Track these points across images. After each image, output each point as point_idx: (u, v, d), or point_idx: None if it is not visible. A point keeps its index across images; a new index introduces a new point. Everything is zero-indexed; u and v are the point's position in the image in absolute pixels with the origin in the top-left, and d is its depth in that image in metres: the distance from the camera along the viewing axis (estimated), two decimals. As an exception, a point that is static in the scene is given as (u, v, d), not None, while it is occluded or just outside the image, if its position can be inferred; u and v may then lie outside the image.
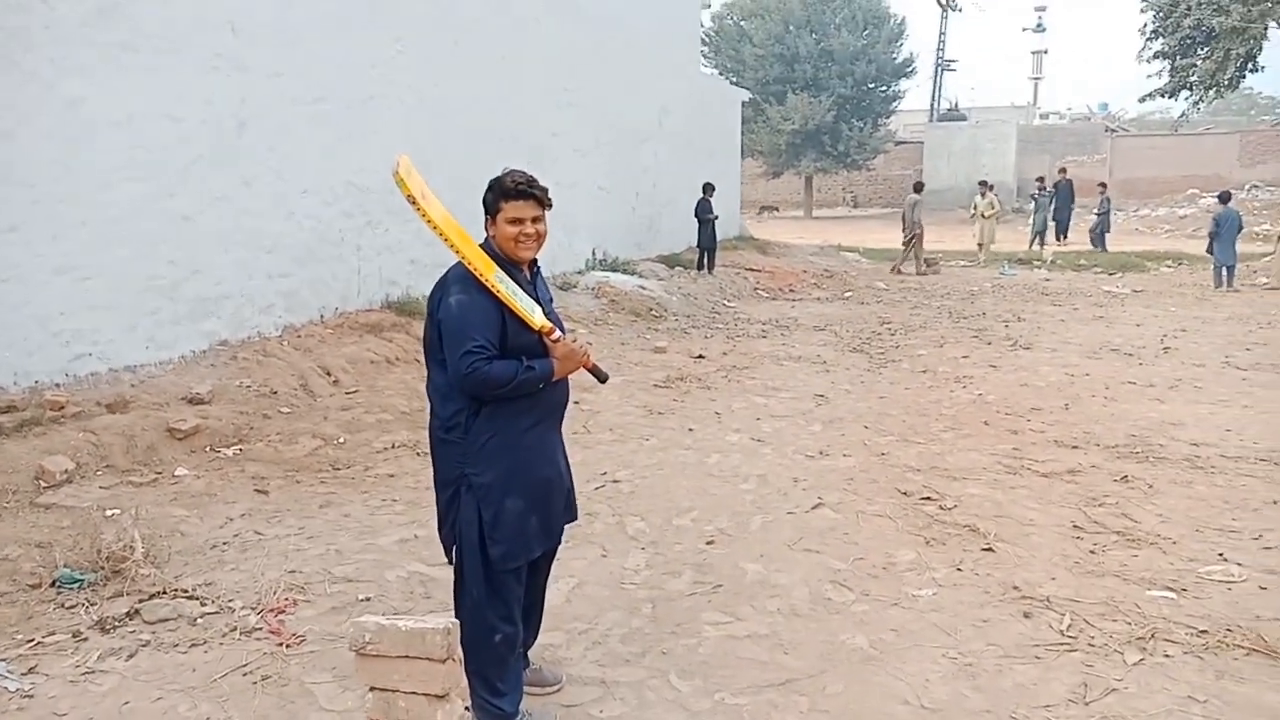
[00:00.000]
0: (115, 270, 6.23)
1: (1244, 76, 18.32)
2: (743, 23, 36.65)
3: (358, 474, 5.52)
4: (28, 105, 5.75)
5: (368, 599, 3.95)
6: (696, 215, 14.84)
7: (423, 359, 7.29)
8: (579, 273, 12.79)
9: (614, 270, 13.27)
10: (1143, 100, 20.79)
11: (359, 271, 8.64)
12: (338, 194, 8.34)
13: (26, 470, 4.77)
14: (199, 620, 3.71)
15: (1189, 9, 17.20)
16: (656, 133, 15.65)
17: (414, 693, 2.29)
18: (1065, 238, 22.28)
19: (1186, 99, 19.40)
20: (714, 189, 15.19)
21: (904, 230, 17.56)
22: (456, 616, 2.83)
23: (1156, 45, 18.30)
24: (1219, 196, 16.18)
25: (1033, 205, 22.63)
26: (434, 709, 2.28)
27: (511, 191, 2.85)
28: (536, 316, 2.85)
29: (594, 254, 13.61)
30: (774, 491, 5.37)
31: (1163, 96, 20.07)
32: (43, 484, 4.72)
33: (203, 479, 5.19)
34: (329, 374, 7.06)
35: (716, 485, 5.50)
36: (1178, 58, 18.14)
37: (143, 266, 6.44)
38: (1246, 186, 31.22)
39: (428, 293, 8.77)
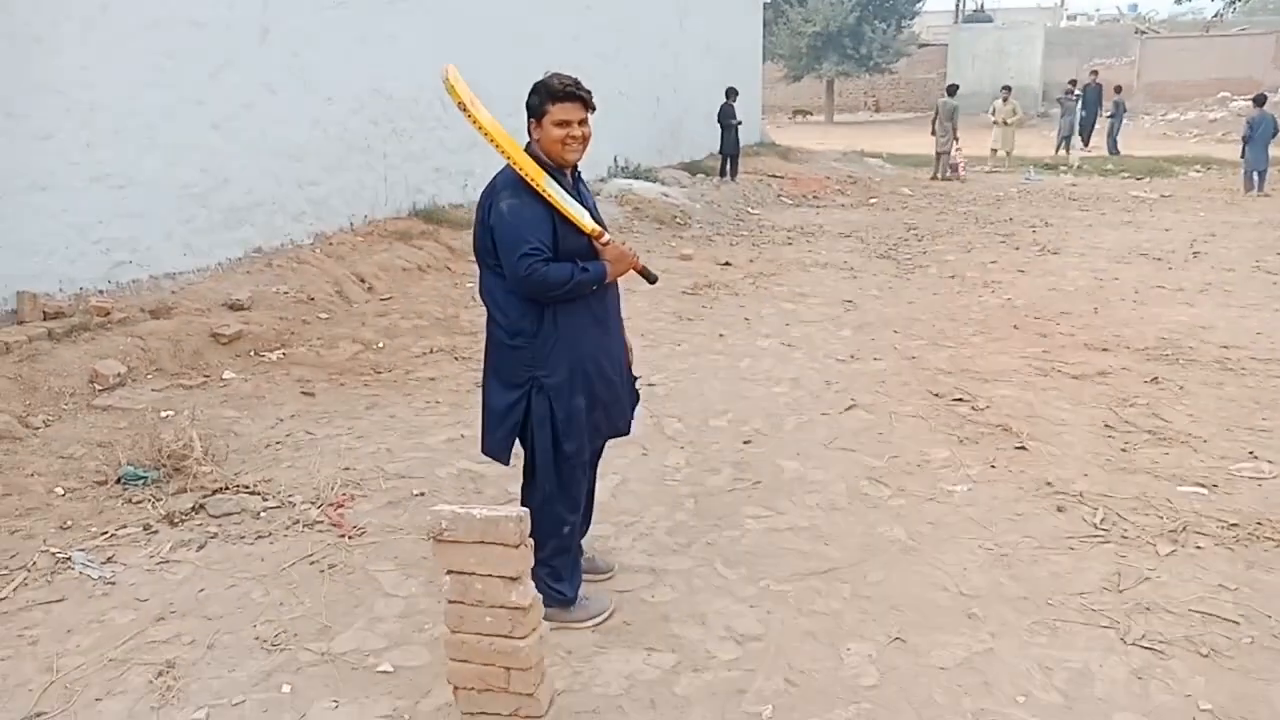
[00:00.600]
0: (149, 178, 6.26)
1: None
2: (764, -81, 35.26)
3: (399, 377, 5.64)
4: (55, 10, 5.70)
5: (421, 494, 4.09)
6: (719, 121, 14.61)
7: (452, 266, 7.36)
8: (601, 180, 12.69)
9: (636, 177, 13.16)
10: (1178, 2, 20.02)
11: (386, 179, 8.62)
12: (363, 101, 8.28)
13: (80, 374, 4.90)
14: (262, 514, 3.87)
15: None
16: (677, 36, 15.30)
17: (489, 575, 2.41)
18: (1088, 143, 21.81)
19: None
20: (737, 94, 14.91)
21: (936, 135, 17.14)
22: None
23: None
24: (1254, 99, 15.78)
25: (1059, 109, 22.11)
26: (508, 590, 2.41)
27: (559, 93, 2.86)
28: (586, 220, 2.91)
29: (615, 161, 13.48)
30: (807, 394, 5.46)
31: (1198, -4, 19.32)
32: (97, 387, 4.86)
33: (250, 382, 5.32)
34: (363, 280, 7.14)
35: (750, 388, 5.59)
36: (1216, -48, 17.44)
37: (175, 174, 6.46)
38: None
39: (454, 201, 8.81)
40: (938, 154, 17.32)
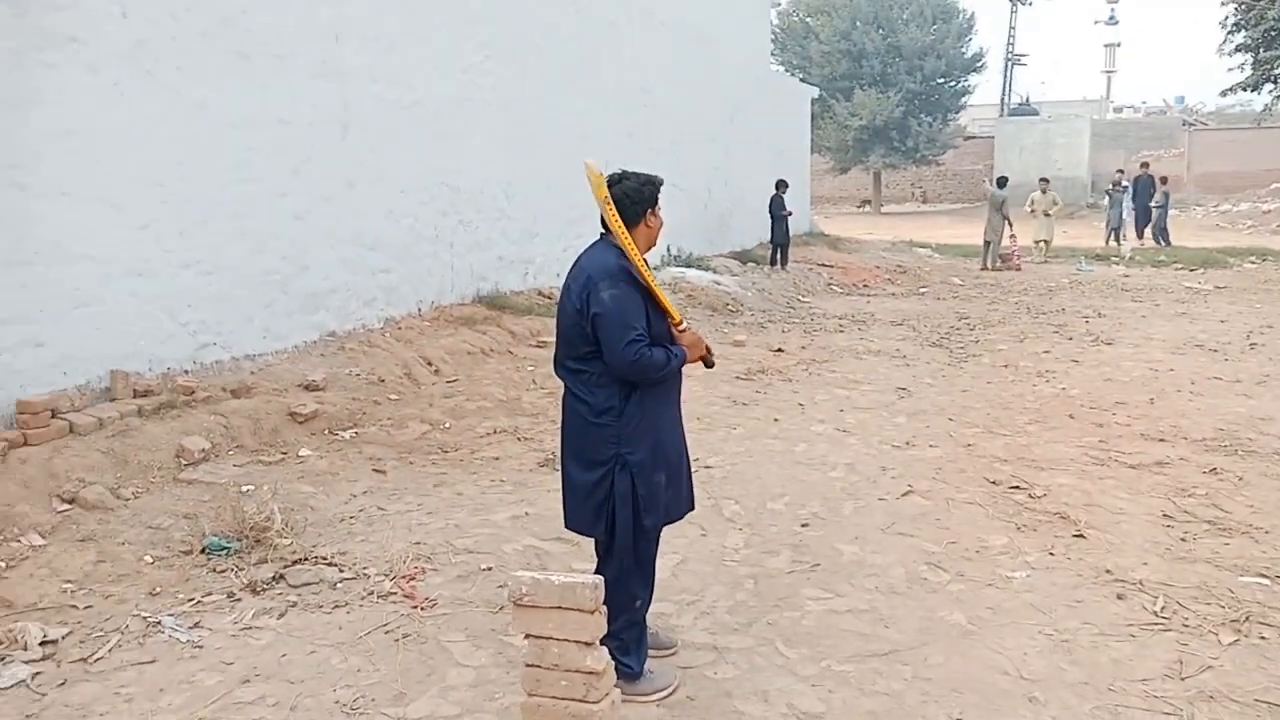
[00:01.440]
0: (234, 265, 6.64)
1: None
2: (809, 19, 36.52)
3: (465, 456, 5.83)
4: (158, 110, 6.17)
5: (489, 569, 4.23)
6: (770, 211, 14.98)
7: (514, 350, 7.60)
8: (655, 269, 13.03)
9: (689, 266, 13.49)
10: (1224, 94, 20.33)
11: (452, 267, 9.00)
12: (432, 194, 8.71)
13: (167, 449, 5.17)
14: (338, 585, 4.03)
15: (1273, 1, 16.76)
16: (727, 130, 15.82)
17: (565, 640, 2.53)
18: (1144, 235, 21.80)
19: (1270, 92, 18.90)
20: (787, 185, 15.31)
21: (990, 228, 17.31)
22: None
23: (1239, 38, 17.92)
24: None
25: (1107, 201, 22.22)
26: (583, 654, 2.53)
27: (659, 192, 3.22)
28: (673, 308, 3.16)
29: (669, 250, 13.85)
30: (863, 479, 5.54)
31: (1245, 90, 19.60)
32: (183, 461, 5.12)
33: (325, 459, 5.55)
34: (429, 363, 7.41)
35: (805, 472, 5.69)
36: (1261, 50, 17.71)
37: (258, 262, 6.85)
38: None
39: (515, 288, 9.12)
40: (986, 242, 17.47)
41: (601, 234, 3.23)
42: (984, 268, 17.34)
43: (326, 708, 3.16)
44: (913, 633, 3.70)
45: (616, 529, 3.16)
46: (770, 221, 15.07)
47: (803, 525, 4.82)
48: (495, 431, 6.31)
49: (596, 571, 3.25)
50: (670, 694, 3.25)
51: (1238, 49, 18.02)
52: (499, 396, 7.04)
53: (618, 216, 3.09)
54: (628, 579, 3.17)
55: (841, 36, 34.53)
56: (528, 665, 2.63)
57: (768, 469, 5.73)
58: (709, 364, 3.38)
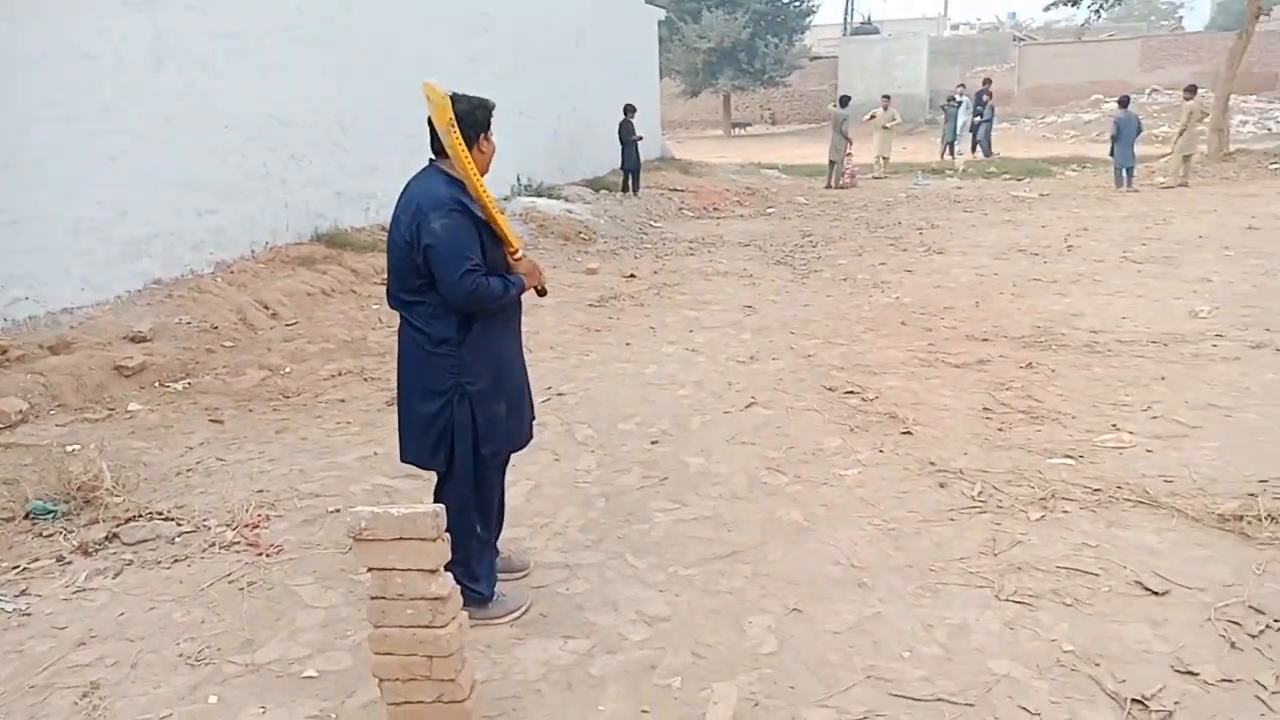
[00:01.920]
0: (43, 213, 6.17)
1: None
2: (654, -61, 36.00)
3: (308, 400, 5.69)
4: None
5: (336, 510, 4.18)
6: (620, 137, 14.92)
7: (357, 289, 7.38)
8: (504, 199, 12.82)
9: (539, 195, 13.34)
10: (1048, 9, 21.25)
11: (286, 205, 8.61)
12: (260, 129, 8.27)
13: (-21, 413, 4.83)
14: (177, 539, 3.91)
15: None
16: (575, 55, 15.56)
17: (409, 569, 2.55)
18: (987, 150, 22.67)
19: (1089, 7, 19.91)
20: (635, 110, 15.25)
21: (834, 148, 17.79)
22: None
23: (1058, -46, 18.71)
24: (1118, 101, 16.83)
25: (943, 116, 23.09)
26: (427, 582, 2.55)
27: (492, 116, 3.11)
28: (513, 235, 3.12)
29: (518, 179, 13.63)
30: (710, 395, 5.71)
31: (1066, 5, 20.53)
32: (-2, 425, 4.80)
33: (156, 412, 5.31)
34: (266, 308, 7.13)
35: (655, 392, 5.82)
36: (1080, -34, 18.59)
37: (71, 208, 6.38)
38: (1147, 90, 32.27)
39: (356, 224, 8.81)
40: (831, 162, 17.97)
41: (430, 160, 3.13)
42: (828, 186, 17.85)
43: (169, 662, 3.09)
44: (753, 533, 3.89)
45: (456, 459, 3.15)
46: (620, 147, 15.02)
47: (652, 443, 4.95)
48: (340, 373, 6.17)
49: (435, 501, 3.26)
50: (523, 614, 3.33)
51: (1059, -35, 18.84)
52: (342, 337, 6.87)
53: (461, 140, 2.97)
54: (468, 508, 3.18)
55: (686, -43, 34.24)
56: (373, 598, 2.63)
57: (619, 392, 5.83)
58: (541, 292, 3.36)
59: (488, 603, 3.29)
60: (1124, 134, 15.47)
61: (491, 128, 3.13)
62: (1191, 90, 16.35)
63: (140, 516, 4.05)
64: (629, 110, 15.07)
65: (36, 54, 6.14)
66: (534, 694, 2.91)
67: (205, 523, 4.05)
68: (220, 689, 2.95)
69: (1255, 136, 23.87)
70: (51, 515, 4.05)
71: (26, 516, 4.04)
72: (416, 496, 4.32)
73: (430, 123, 3.02)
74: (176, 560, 3.74)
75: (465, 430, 3.12)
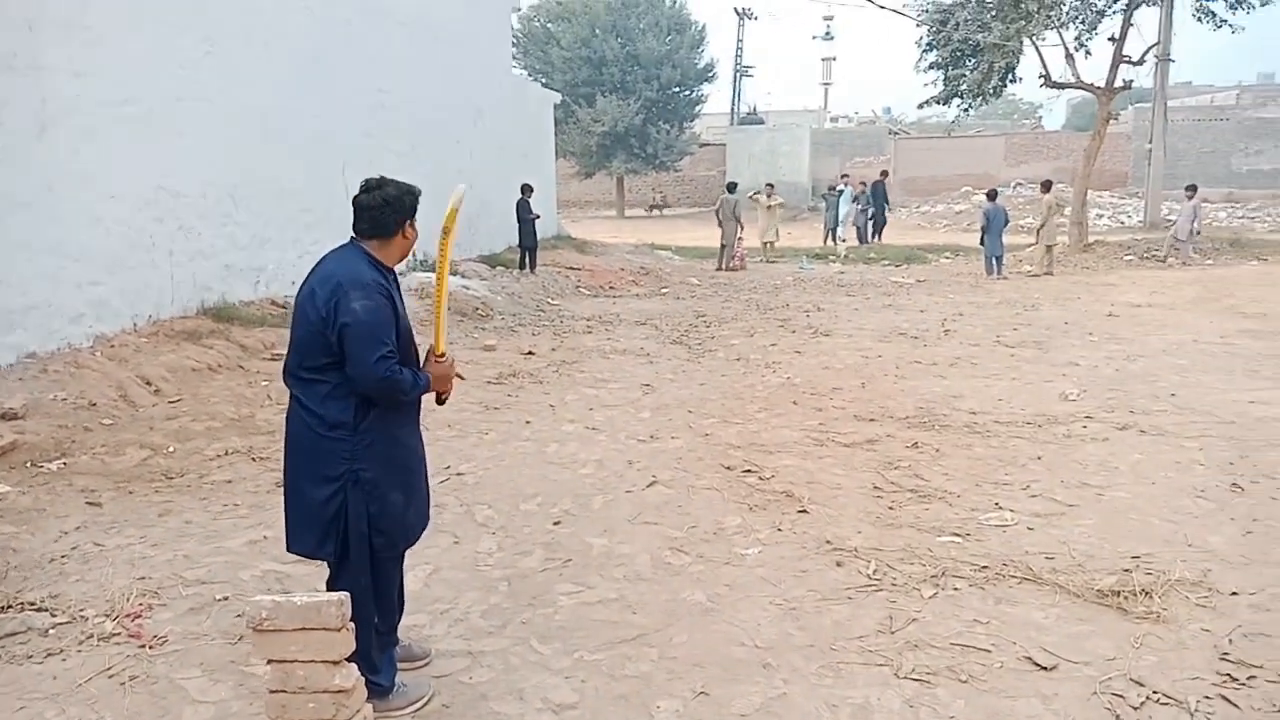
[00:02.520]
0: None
1: (1005, 85, 20.42)
2: (550, 25, 37.05)
3: (193, 481, 5.45)
4: None
5: (225, 598, 4.00)
6: (517, 215, 15.07)
7: (245, 365, 7.17)
8: (401, 274, 12.70)
9: (434, 270, 13.29)
10: (921, 107, 22.68)
11: (172, 278, 8.33)
12: (147, 199, 8.04)
13: None
14: (50, 631, 3.66)
15: (957, 25, 18.96)
16: (472, 134, 15.74)
17: (312, 661, 2.47)
18: (880, 237, 23.70)
19: (958, 105, 21.37)
20: (532, 189, 15.47)
21: (722, 229, 18.35)
22: None
23: (931, 57, 20.02)
24: (987, 194, 17.99)
25: (823, 204, 24.19)
26: (331, 674, 2.48)
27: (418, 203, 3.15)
28: (444, 335, 3.15)
29: (414, 255, 13.55)
30: (611, 474, 5.74)
31: (938, 103, 21.99)
32: None
33: (28, 495, 4.99)
34: (149, 384, 6.84)
35: (557, 471, 5.81)
36: (949, 68, 19.92)
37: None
38: (1012, 184, 34.62)
39: (245, 298, 8.61)
40: (722, 246, 18.55)
41: (352, 238, 3.10)
42: (718, 268, 18.39)
43: (40, 767, 2.88)
44: (658, 616, 3.90)
45: (351, 549, 3.04)
46: (518, 225, 15.16)
47: (555, 523, 4.93)
48: (227, 453, 5.94)
49: (329, 591, 3.15)
50: (424, 704, 3.23)
51: (930, 66, 20.15)
52: (229, 415, 6.63)
53: (449, 253, 3.07)
54: (366, 599, 3.05)
55: (582, 43, 35.33)
56: (272, 692, 2.54)
57: (520, 471, 5.80)
58: (441, 400, 3.31)
59: (388, 694, 3.19)
60: (993, 225, 16.50)
61: (416, 215, 3.14)
62: (1047, 185, 17.64)
63: (9, 608, 3.79)
64: (526, 189, 15.29)
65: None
66: (439, 788, 2.83)
67: (82, 613, 3.81)
68: None
69: (1110, 229, 25.84)
70: (-95, 608, 3.74)
71: (-125, 611, 3.73)
72: (311, 583, 4.17)
73: (357, 202, 3.05)
74: (50, 654, 3.50)
75: (359, 520, 3.01)
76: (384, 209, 3.04)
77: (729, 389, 7.98)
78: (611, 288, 15.27)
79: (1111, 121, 20.98)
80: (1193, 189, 18.74)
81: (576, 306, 13.38)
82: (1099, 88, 19.35)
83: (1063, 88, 20.72)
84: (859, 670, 3.45)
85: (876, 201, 23.59)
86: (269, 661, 2.49)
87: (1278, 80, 44.01)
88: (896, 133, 44.33)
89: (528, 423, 6.93)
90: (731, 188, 19.15)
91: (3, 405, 5.78)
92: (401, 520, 3.12)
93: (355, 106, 11.79)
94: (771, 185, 21.06)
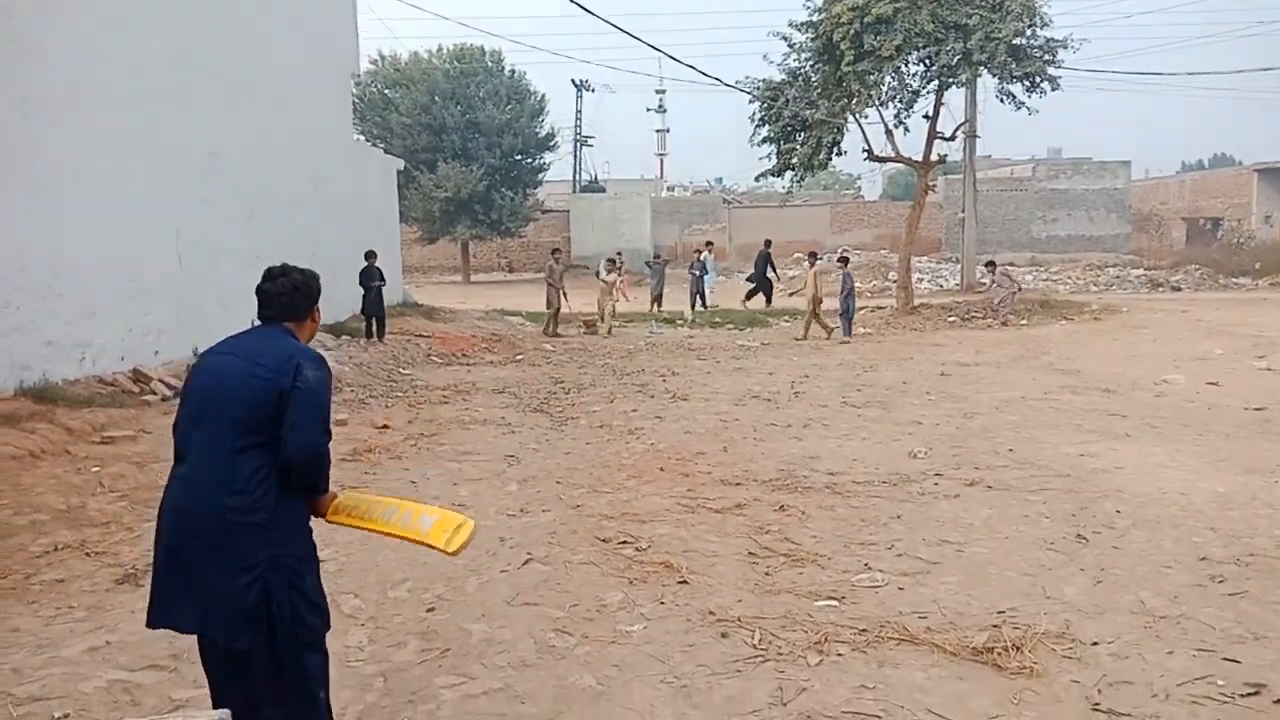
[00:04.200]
0: None
1: (831, 159, 21.70)
2: (387, 91, 36.74)
3: (18, 583, 4.91)
4: None
5: (66, 715, 3.59)
6: (361, 283, 14.69)
7: (72, 449, 6.70)
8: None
9: (277, 342, 12.71)
10: (757, 179, 23.77)
11: (-24, 357, 7.60)
12: (-46, 270, 7.34)
13: None
14: None
15: (787, 102, 20.09)
16: (312, 199, 15.30)
17: None
18: (770, 302, 24.23)
19: (791, 177, 22.48)
20: (376, 255, 15.14)
21: (551, 294, 18.58)
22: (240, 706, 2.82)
23: (764, 131, 21.06)
24: (839, 259, 19.00)
25: (648, 271, 24.75)
26: None
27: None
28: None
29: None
30: (483, 552, 5.55)
31: (772, 175, 23.06)
32: None
33: None
34: (-41, 474, 6.16)
35: (425, 553, 5.54)
36: (781, 142, 21.00)
37: None
38: (838, 250, 36.66)
39: (69, 376, 8.00)
40: (555, 311, 18.71)
41: (269, 318, 3.12)
42: (545, 332, 18.48)
43: None
44: (547, 704, 3.77)
45: (281, 646, 2.86)
46: (363, 293, 14.76)
47: (428, 610, 4.73)
48: (56, 549, 5.40)
49: (218, 703, 2.89)
50: None
51: (764, 140, 21.16)
52: (57, 506, 6.04)
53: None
54: (321, 683, 3.00)
55: (421, 110, 35.18)
56: None
57: (385, 555, 5.53)
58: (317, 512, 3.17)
59: None
60: (847, 286, 17.37)
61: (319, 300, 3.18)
62: (813, 256, 19.12)
63: None
64: (370, 256, 14.98)
65: None
66: None
67: (-114, 750, 3.33)
68: None
69: (931, 291, 27.61)
70: None
71: None
72: (162, 692, 3.83)
73: (264, 290, 3.09)
74: None
75: (290, 602, 2.88)
76: (294, 294, 3.09)
77: (595, 457, 7.94)
78: (464, 355, 15.03)
79: (931, 191, 22.62)
80: (991, 264, 20.86)
81: (430, 375, 13.07)
82: (917, 161, 20.86)
83: (884, 161, 22.22)
84: (754, 748, 3.43)
85: (759, 268, 24.37)
86: None
87: (1064, 155, 48.72)
88: (730, 202, 46.24)
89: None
90: (555, 254, 19.98)
91: None
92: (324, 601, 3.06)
93: (188, 170, 11.24)
94: (619, 254, 21.03)
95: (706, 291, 23.24)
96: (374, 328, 14.80)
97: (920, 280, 29.83)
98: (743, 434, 8.83)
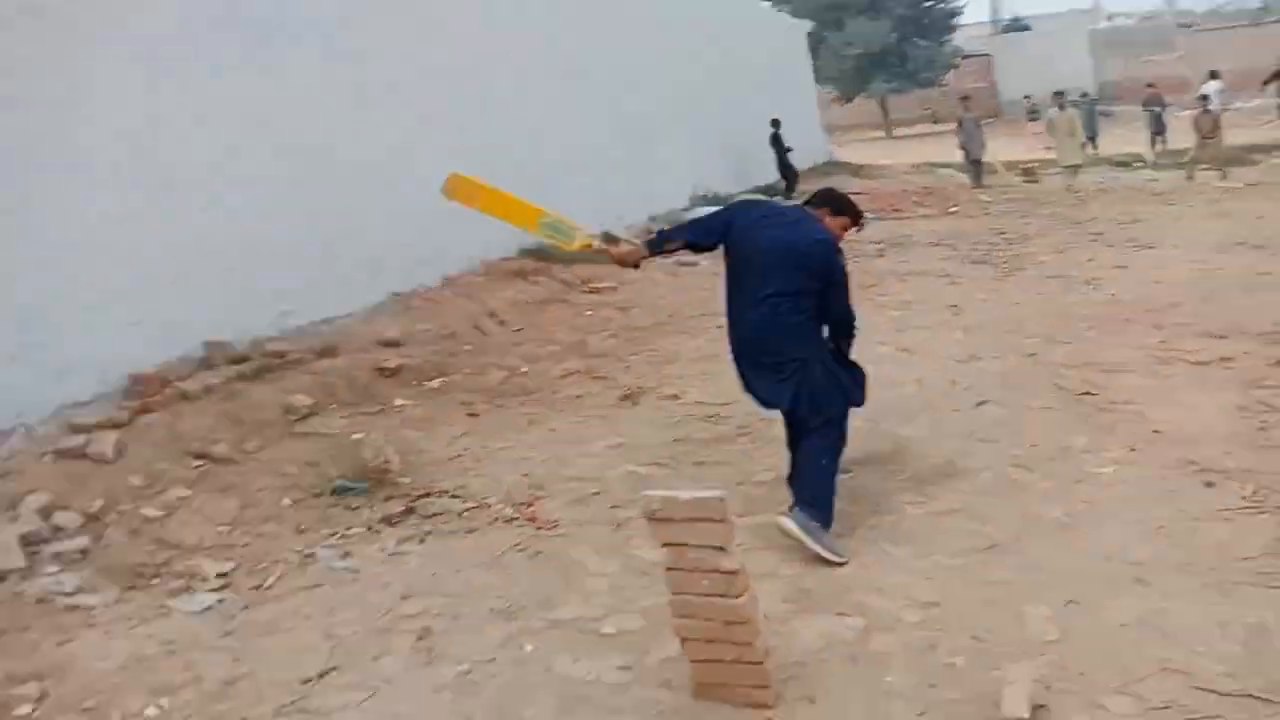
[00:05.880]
0: (304, 232, 6.83)
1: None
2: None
3: (548, 397, 6.10)
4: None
5: (598, 492, 4.52)
6: (774, 149, 15.58)
7: (569, 298, 7.96)
8: (684, 210, 13.19)
9: (716, 204, 13.62)
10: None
11: (494, 221, 9.09)
12: (473, 150, 8.81)
13: (274, 407, 5.43)
14: (464, 514, 4.35)
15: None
16: (732, 72, 15.89)
17: (700, 545, 2.76)
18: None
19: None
20: (780, 123, 15.73)
21: (965, 149, 17.26)
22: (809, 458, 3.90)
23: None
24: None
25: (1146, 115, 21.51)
26: (718, 558, 2.76)
27: (860, 221, 4.31)
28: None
29: (695, 190, 14.07)
30: (935, 393, 5.70)
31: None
32: (291, 417, 5.38)
33: (420, 408, 5.81)
34: (494, 315, 7.64)
35: (877, 390, 5.78)
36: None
37: (320, 230, 7.02)
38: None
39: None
40: (974, 161, 17.26)
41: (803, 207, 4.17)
42: (974, 186, 16.98)
43: (484, 615, 3.50)
44: (1012, 529, 3.88)
45: (835, 403, 4.01)
46: (777, 159, 15.54)
47: (884, 438, 5.01)
48: (571, 373, 6.55)
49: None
50: (836, 560, 3.68)
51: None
52: (567, 340, 7.28)
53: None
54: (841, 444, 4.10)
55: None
56: (669, 569, 2.86)
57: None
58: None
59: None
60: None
61: (849, 221, 4.23)
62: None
63: (430, 494, 4.52)
64: (776, 124, 15.60)
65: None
66: (819, 663, 3.06)
67: (486, 500, 4.47)
68: (533, 639, 3.32)
69: None
70: (353, 492, 4.56)
71: (333, 492, 4.57)
72: (665, 483, 4.54)
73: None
74: (469, 531, 4.19)
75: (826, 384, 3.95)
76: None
77: (1048, 308, 7.58)
78: (896, 209, 14.83)
79: None
80: None
81: (863, 231, 13.14)
82: None
83: None
84: (1250, 591, 3.28)
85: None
86: (664, 544, 2.81)
87: None
88: (1187, 25, 39.11)
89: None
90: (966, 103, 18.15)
91: (384, 335, 6.71)
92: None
93: (635, 63, 12.38)
94: (1061, 94, 17.10)
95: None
96: (790, 189, 15.40)
97: None
98: (1228, 285, 7.81)
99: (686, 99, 13.84)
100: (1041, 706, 2.76)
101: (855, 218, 4.19)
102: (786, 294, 3.78)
